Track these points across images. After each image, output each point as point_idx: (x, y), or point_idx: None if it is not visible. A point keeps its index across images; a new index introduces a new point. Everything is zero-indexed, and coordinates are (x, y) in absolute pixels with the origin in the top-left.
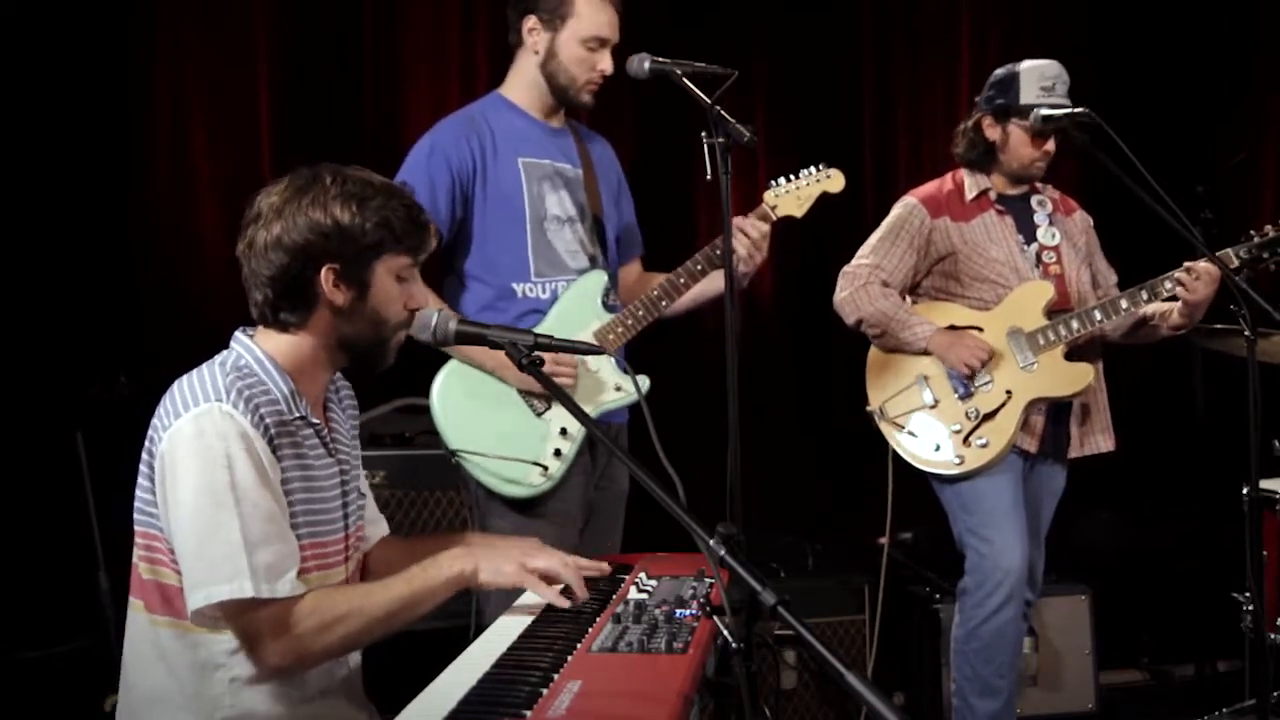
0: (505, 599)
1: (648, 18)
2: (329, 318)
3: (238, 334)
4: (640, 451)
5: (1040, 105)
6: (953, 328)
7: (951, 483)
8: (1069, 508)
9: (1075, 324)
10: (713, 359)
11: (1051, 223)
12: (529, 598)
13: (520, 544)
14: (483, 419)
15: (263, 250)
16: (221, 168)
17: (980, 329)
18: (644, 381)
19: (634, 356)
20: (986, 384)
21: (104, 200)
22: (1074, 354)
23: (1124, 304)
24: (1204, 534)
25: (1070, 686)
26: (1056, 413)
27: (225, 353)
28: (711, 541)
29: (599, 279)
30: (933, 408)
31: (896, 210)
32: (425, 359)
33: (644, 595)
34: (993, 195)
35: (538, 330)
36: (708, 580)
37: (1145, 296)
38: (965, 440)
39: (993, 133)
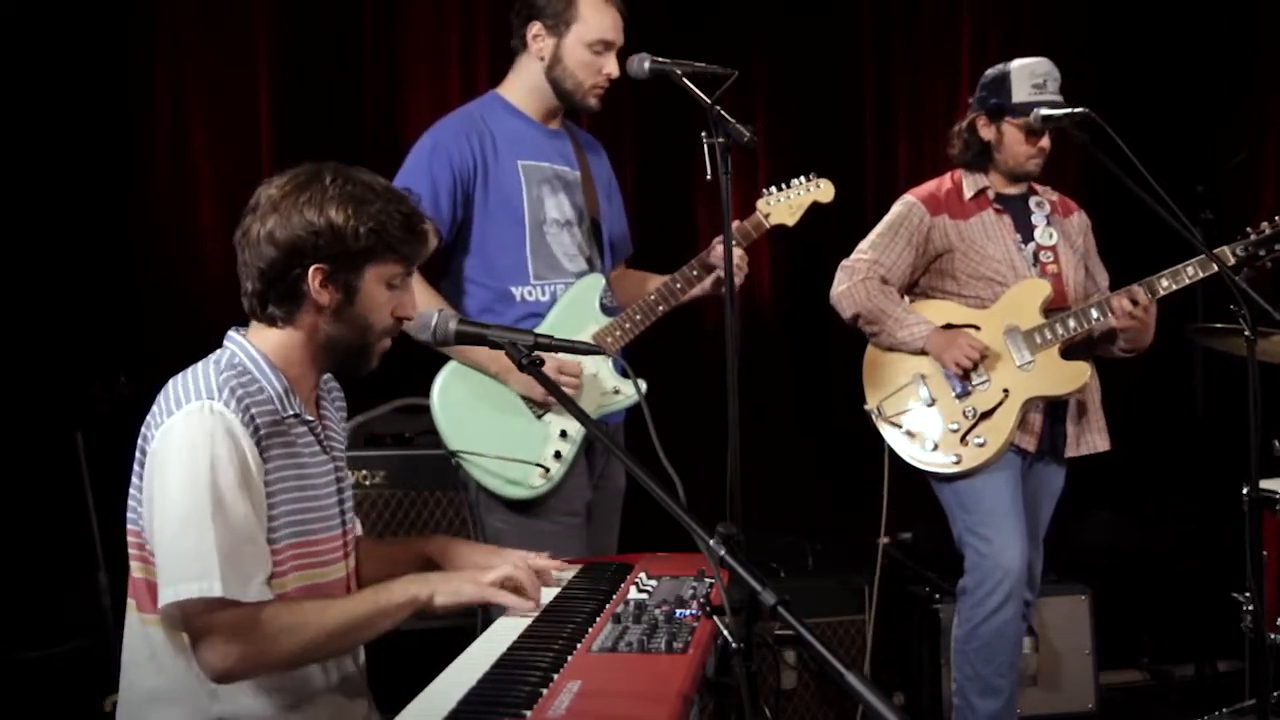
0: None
1: (648, 18)
2: (315, 317)
3: (231, 333)
4: (640, 452)
5: (1033, 103)
6: (949, 326)
7: (950, 482)
8: (1069, 508)
9: (1072, 323)
10: (712, 359)
11: (1049, 223)
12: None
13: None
14: (483, 420)
15: (256, 242)
16: (221, 168)
17: (977, 327)
18: (642, 384)
19: (633, 357)
20: (984, 383)
21: (104, 200)
22: (1070, 353)
23: (1116, 302)
24: (1204, 534)
25: (1070, 686)
26: (1053, 412)
27: (220, 351)
28: (711, 541)
29: (596, 282)
30: (930, 406)
31: (896, 208)
32: (425, 359)
33: (644, 595)
34: (991, 194)
35: (535, 332)
36: (708, 580)
37: (1144, 294)
38: (962, 439)
39: (987, 132)
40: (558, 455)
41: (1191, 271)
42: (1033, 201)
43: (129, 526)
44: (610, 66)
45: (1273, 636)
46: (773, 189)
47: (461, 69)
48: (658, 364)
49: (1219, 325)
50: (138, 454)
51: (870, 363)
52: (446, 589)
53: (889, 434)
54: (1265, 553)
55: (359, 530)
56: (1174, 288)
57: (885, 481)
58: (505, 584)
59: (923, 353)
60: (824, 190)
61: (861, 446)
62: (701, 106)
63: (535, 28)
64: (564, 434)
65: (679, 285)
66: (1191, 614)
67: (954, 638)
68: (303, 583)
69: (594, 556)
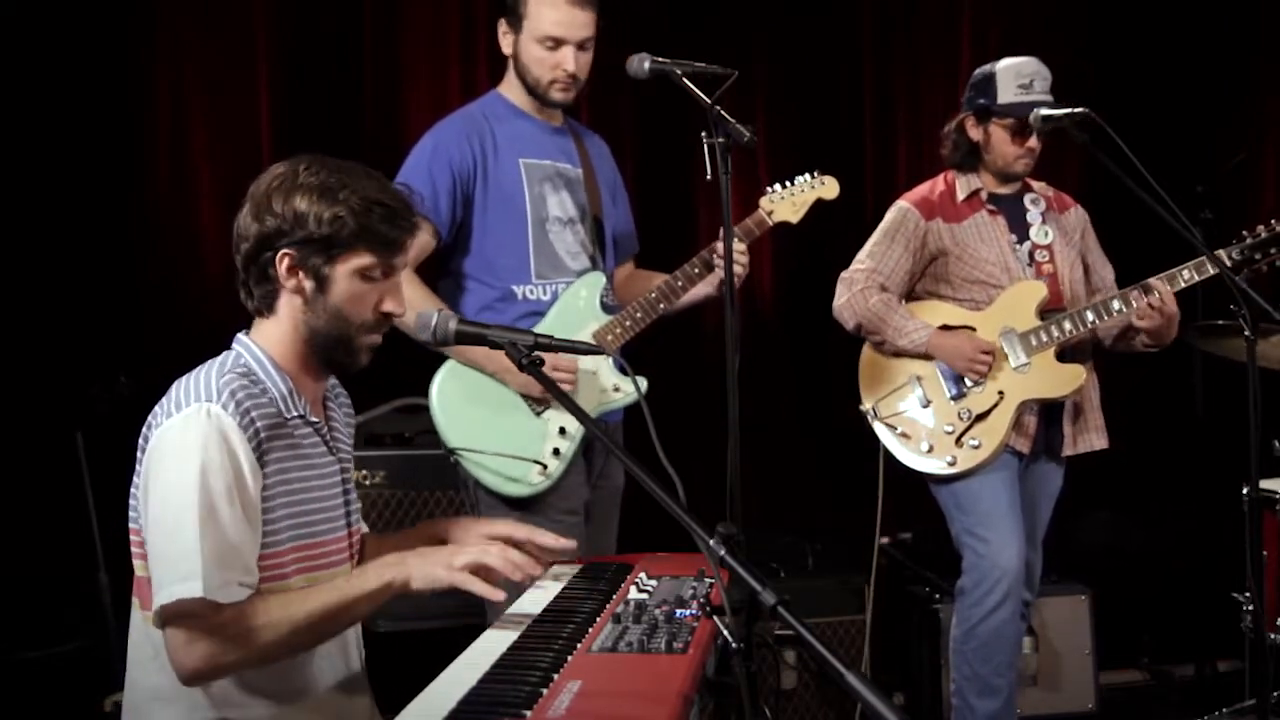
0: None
1: (648, 18)
2: (293, 306)
3: (239, 335)
4: (640, 451)
5: (1018, 104)
6: (945, 327)
7: (947, 483)
8: (1069, 508)
9: (1068, 325)
10: (712, 359)
11: (1045, 220)
12: (528, 602)
13: (452, 546)
14: (482, 418)
15: (238, 230)
16: (221, 168)
17: (973, 329)
18: (642, 383)
19: (633, 357)
20: (979, 385)
21: (104, 201)
22: (1066, 354)
23: (1116, 305)
24: (1204, 534)
25: (1070, 686)
26: (1049, 413)
27: (226, 352)
28: (711, 541)
29: (597, 280)
30: (925, 408)
31: (890, 215)
32: (425, 359)
33: (644, 595)
34: (984, 195)
35: (536, 331)
36: (708, 580)
37: (1137, 296)
38: (958, 441)
39: (975, 133)
40: (556, 452)
41: (1187, 275)
42: (1027, 199)
43: (131, 525)
44: (567, 63)
45: (1273, 636)
46: (777, 186)
47: (461, 69)
48: (658, 363)
49: (1219, 325)
50: (138, 450)
51: (866, 363)
52: (421, 573)
53: (884, 435)
54: (1265, 553)
55: (364, 528)
56: (1196, 279)
57: (880, 481)
58: (478, 569)
59: (926, 357)
60: (829, 187)
61: (861, 446)
62: (701, 106)
63: (502, 25)
64: (563, 431)
65: (681, 283)
66: (1191, 614)
67: (952, 638)
68: (307, 584)
69: (594, 556)
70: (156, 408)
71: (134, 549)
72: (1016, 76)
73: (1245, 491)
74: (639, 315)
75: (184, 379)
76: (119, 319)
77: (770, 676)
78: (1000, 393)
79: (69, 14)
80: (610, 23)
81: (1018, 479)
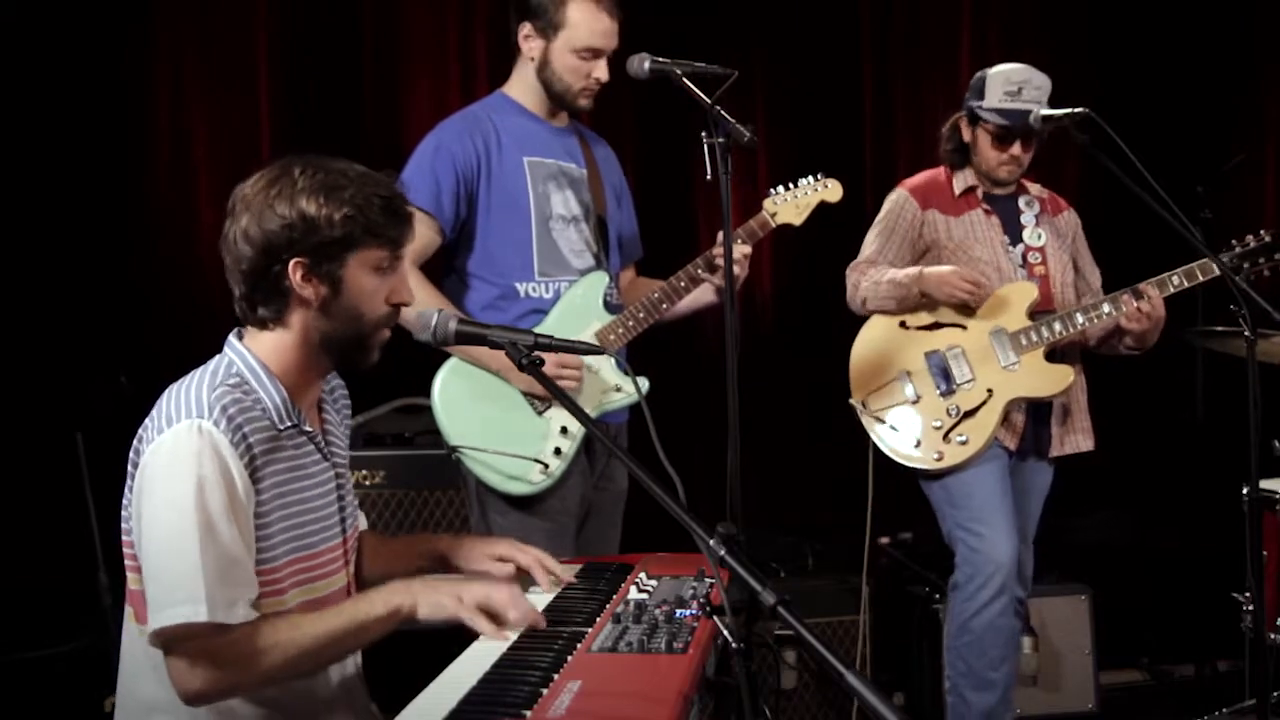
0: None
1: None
2: (305, 314)
3: (231, 338)
4: (640, 451)
5: (1001, 109)
6: (936, 325)
7: (938, 478)
8: (1069, 508)
9: (1058, 326)
10: (712, 359)
11: (1039, 223)
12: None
13: (463, 578)
14: (484, 416)
15: (233, 244)
16: (221, 168)
17: (964, 327)
18: (643, 383)
19: (634, 357)
20: (968, 381)
21: (104, 200)
22: (1055, 355)
23: (1107, 309)
24: (1204, 534)
25: (1070, 686)
26: (1037, 413)
27: (218, 359)
28: (711, 541)
29: (601, 279)
30: (914, 403)
31: (888, 203)
32: (425, 359)
33: (644, 595)
34: (980, 193)
35: (539, 330)
36: (708, 580)
37: (1127, 299)
38: (945, 436)
39: (966, 134)
40: (558, 451)
41: (1177, 280)
42: (1022, 201)
43: (124, 538)
44: (600, 72)
45: (1273, 636)
46: (780, 188)
47: (461, 69)
48: (658, 363)
49: (1219, 326)
50: (129, 464)
51: (857, 358)
52: (428, 601)
53: (872, 429)
54: (1265, 553)
55: (363, 524)
56: (1186, 285)
57: (870, 477)
58: (485, 607)
59: (930, 327)
60: (832, 190)
61: (861, 446)
62: (701, 106)
63: (526, 28)
64: (565, 430)
65: (684, 283)
66: (1191, 614)
67: (946, 633)
68: (304, 598)
69: (594, 556)
70: (147, 421)
71: (127, 561)
72: (1005, 83)
73: (1245, 491)
74: (641, 315)
75: (173, 391)
76: (119, 319)
77: (770, 676)
78: (989, 390)
79: (69, 14)
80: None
81: (1008, 475)
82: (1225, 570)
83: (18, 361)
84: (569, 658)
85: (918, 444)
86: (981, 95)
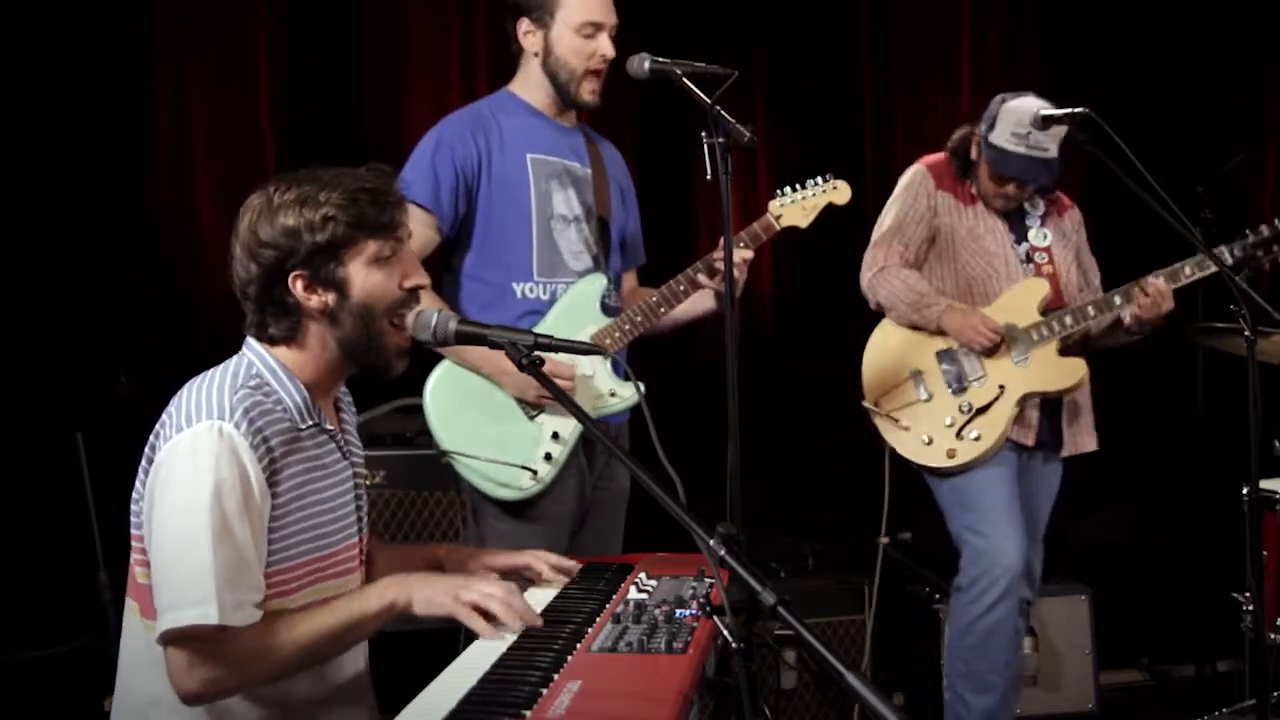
0: None
1: (648, 18)
2: (319, 327)
3: (249, 339)
4: (640, 452)
5: (1005, 151)
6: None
7: (947, 478)
8: (1069, 508)
9: (1069, 319)
10: (713, 360)
11: (1044, 223)
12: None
13: (460, 576)
14: (474, 421)
15: (236, 279)
16: (221, 168)
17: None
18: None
19: (635, 358)
20: (980, 378)
21: (104, 200)
22: (1064, 352)
23: (1117, 300)
24: (1204, 534)
25: (1070, 686)
26: (1050, 407)
27: (237, 359)
28: (711, 541)
29: (599, 282)
30: (926, 402)
31: (906, 179)
32: (426, 359)
33: (644, 595)
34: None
35: (535, 332)
36: (708, 580)
37: (1137, 292)
38: (958, 434)
39: (974, 152)
40: (548, 457)
41: (1189, 271)
42: (1026, 203)
43: (133, 531)
44: (604, 48)
45: (1273, 636)
46: (786, 189)
47: (461, 69)
48: (658, 364)
49: (1219, 325)
50: (144, 460)
51: (869, 359)
52: (423, 596)
53: (886, 430)
54: (1265, 553)
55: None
56: (1198, 275)
57: (887, 480)
58: (480, 606)
59: (940, 333)
60: (841, 192)
61: (862, 446)
62: (701, 106)
63: (524, 24)
64: (555, 435)
65: (683, 286)
66: (1191, 614)
67: (948, 634)
68: (318, 596)
69: (594, 557)
70: (165, 417)
71: (135, 555)
72: (1016, 124)
73: (1245, 491)
74: (639, 319)
75: (195, 385)
76: (119, 319)
77: (770, 676)
78: (1001, 386)
79: (69, 14)
80: None
81: (1018, 476)
82: (1225, 570)
83: (18, 361)
84: (569, 658)
85: (930, 442)
86: (992, 127)
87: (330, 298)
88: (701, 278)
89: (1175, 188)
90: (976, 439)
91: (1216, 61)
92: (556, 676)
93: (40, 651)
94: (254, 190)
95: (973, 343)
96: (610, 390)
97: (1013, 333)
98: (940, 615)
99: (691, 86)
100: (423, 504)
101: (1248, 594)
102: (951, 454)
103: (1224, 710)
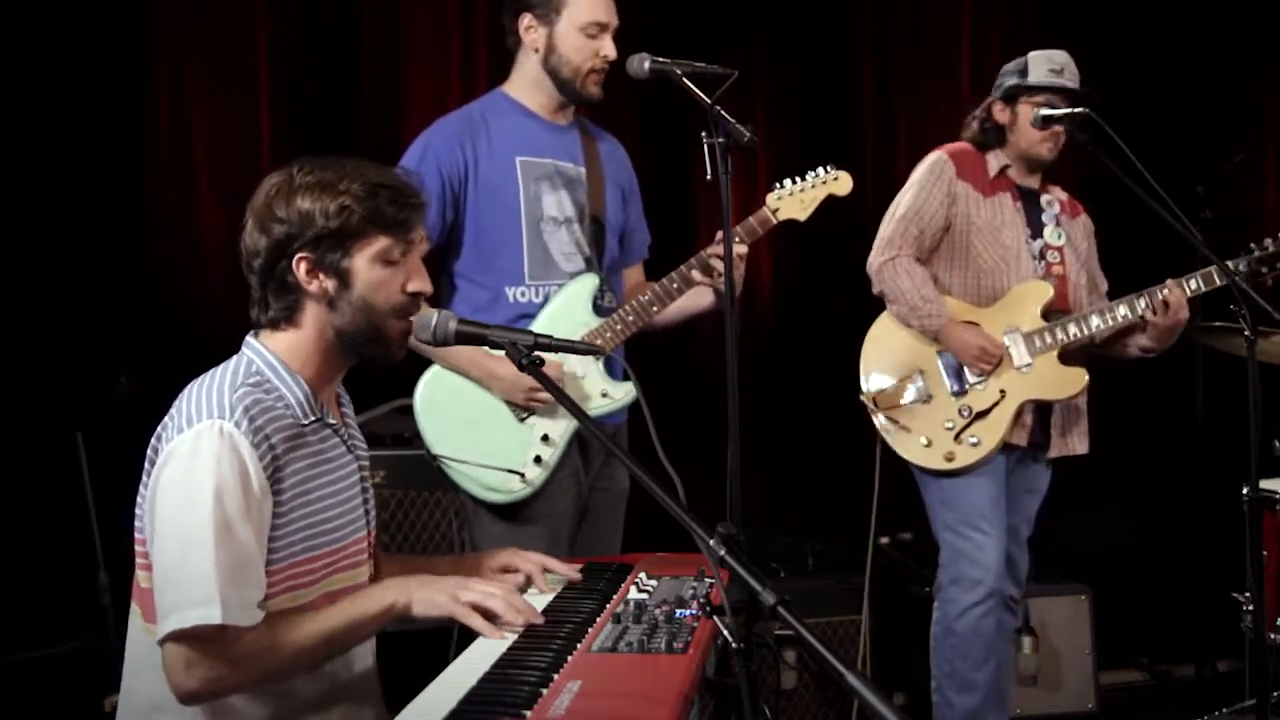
0: None
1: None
2: (317, 311)
3: (248, 338)
4: (640, 452)
5: (1048, 86)
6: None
7: (936, 478)
8: (1069, 508)
9: (1073, 328)
10: (712, 359)
11: (1058, 223)
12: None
13: (459, 577)
14: (465, 425)
15: (244, 249)
16: (221, 168)
17: (977, 325)
18: (632, 388)
19: (633, 356)
20: (981, 382)
21: (104, 200)
22: (1064, 357)
23: (1122, 311)
24: (1204, 534)
25: (1070, 686)
26: (1043, 410)
27: (237, 358)
28: (711, 541)
29: (590, 282)
30: (926, 403)
31: (925, 164)
32: (426, 360)
33: (644, 595)
34: (1011, 174)
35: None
36: (708, 580)
37: (1144, 304)
38: (957, 437)
39: (1002, 116)
40: (538, 460)
41: (1194, 285)
42: (1044, 199)
43: (136, 535)
44: (607, 48)
45: (1273, 636)
46: (785, 182)
47: (461, 69)
48: (657, 363)
49: (1219, 325)
50: (146, 462)
51: (869, 353)
52: (423, 597)
53: (883, 427)
54: (1265, 553)
55: None
56: (1203, 289)
57: (877, 474)
58: (480, 605)
59: (935, 341)
60: (841, 182)
61: (861, 446)
62: (701, 106)
63: (526, 19)
64: (546, 438)
65: (676, 285)
66: (1191, 614)
67: (931, 634)
68: (329, 589)
69: (594, 557)
70: (166, 419)
71: (138, 558)
72: (1049, 61)
73: (1245, 491)
74: (631, 319)
75: (194, 389)
76: (119, 319)
77: (770, 676)
78: (1002, 391)
79: (69, 14)
80: None
81: (1004, 477)
82: (1225, 570)
83: (18, 361)
84: (569, 658)
85: (929, 443)
86: (1025, 74)
87: (331, 285)
88: (695, 274)
89: (1175, 188)
90: (975, 444)
91: (1216, 61)
92: (556, 676)
93: (40, 651)
94: (253, 190)
95: (972, 366)
96: (602, 391)
97: (1014, 336)
98: None
99: (691, 86)
100: (423, 504)
101: (1248, 594)
102: (950, 457)
103: (1224, 710)
